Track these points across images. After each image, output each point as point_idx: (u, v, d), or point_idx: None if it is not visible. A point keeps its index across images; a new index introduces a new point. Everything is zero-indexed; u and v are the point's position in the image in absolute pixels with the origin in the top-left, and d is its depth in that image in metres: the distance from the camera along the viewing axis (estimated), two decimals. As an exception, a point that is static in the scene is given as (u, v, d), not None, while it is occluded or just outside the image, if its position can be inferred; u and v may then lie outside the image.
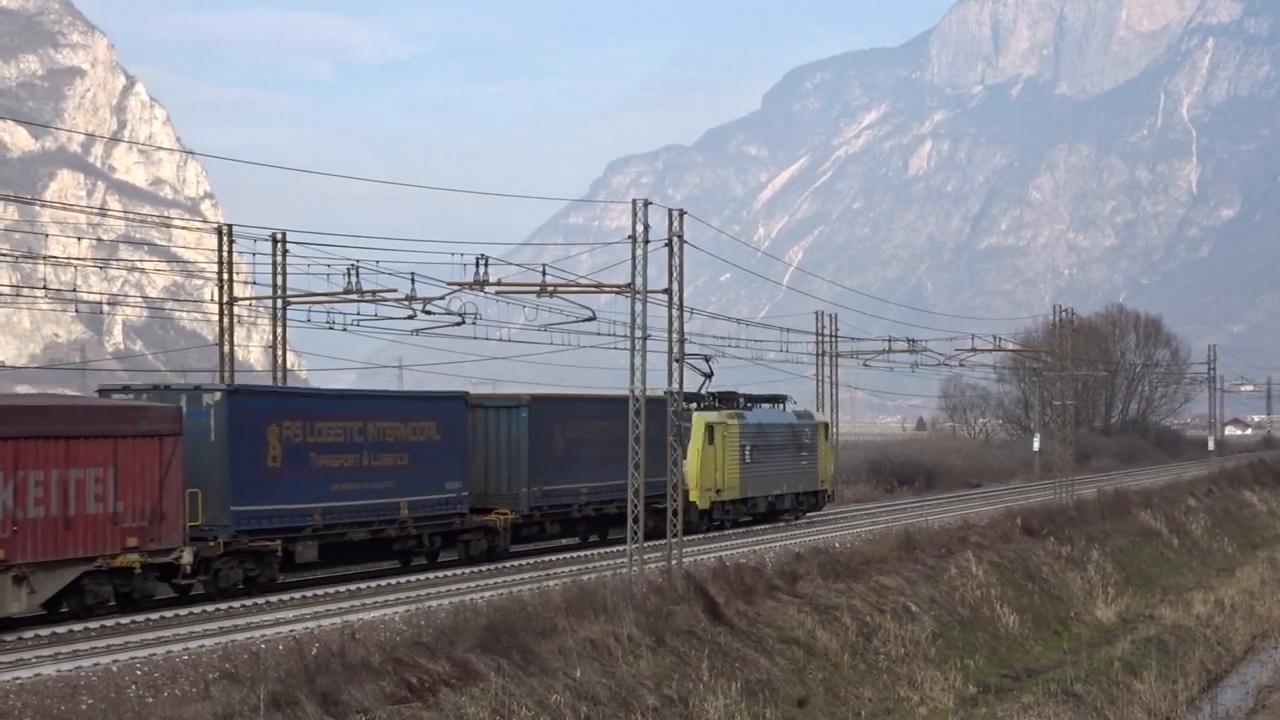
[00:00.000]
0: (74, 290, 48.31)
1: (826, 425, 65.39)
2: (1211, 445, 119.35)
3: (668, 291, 36.53)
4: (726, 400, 57.65)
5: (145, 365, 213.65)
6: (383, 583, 37.52)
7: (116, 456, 30.44)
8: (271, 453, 35.33)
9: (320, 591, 35.51)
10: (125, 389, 35.44)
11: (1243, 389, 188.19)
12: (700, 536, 50.49)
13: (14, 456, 28.36)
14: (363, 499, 38.14)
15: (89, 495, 29.94)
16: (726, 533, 53.44)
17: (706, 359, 56.82)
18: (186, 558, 32.11)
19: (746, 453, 55.77)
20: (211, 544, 33.22)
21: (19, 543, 28.34)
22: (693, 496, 51.17)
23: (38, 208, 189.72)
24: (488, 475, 43.31)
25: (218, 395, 34.22)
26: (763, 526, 56.59)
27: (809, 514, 61.00)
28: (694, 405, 52.86)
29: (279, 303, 46.77)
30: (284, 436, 35.69)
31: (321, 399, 39.21)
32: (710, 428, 53.02)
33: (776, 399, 62.75)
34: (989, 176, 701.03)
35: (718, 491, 53.52)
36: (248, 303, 51.15)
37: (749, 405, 58.89)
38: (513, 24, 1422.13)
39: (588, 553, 44.88)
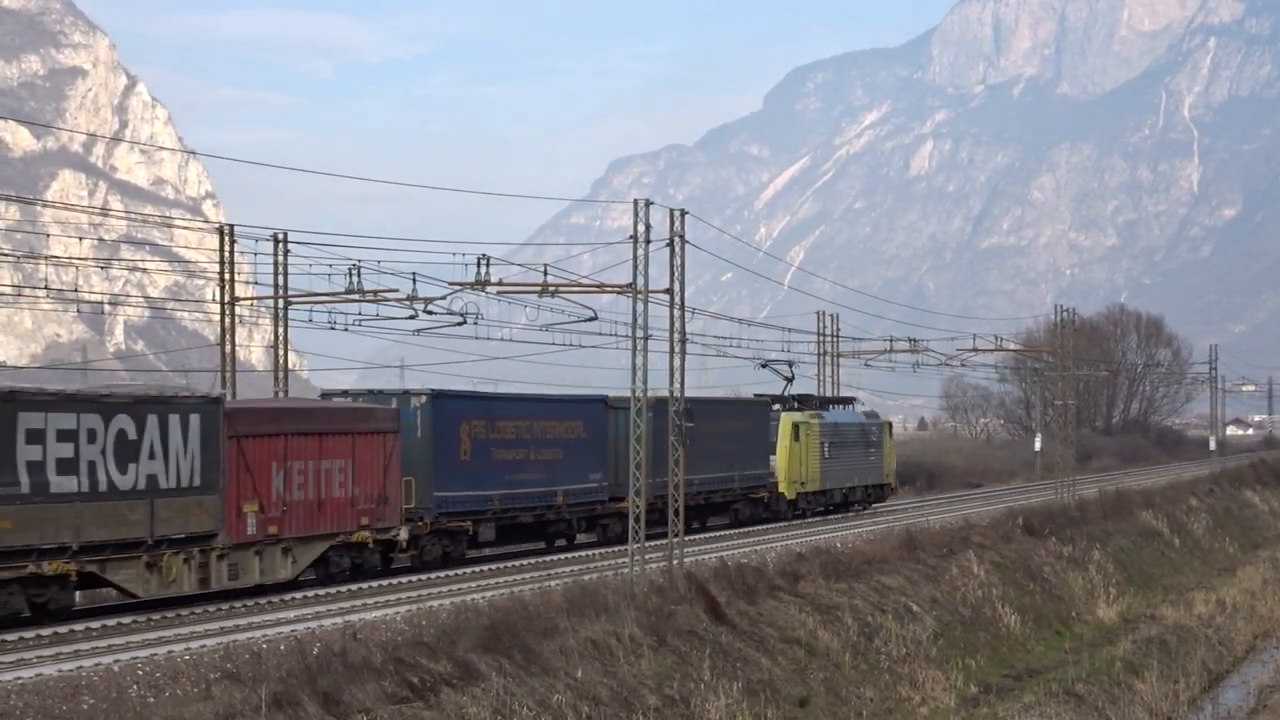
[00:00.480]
0: (75, 290, 48.29)
1: (890, 424, 70.96)
2: (1213, 445, 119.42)
3: (669, 291, 36.55)
4: (805, 402, 63.48)
5: (147, 365, 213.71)
6: (384, 583, 37.55)
7: (354, 450, 37.02)
8: (463, 447, 41.75)
9: (321, 591, 35.55)
10: (344, 394, 41.31)
11: (1244, 389, 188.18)
12: (709, 535, 51.61)
13: (284, 450, 34.97)
14: (530, 487, 44.72)
15: (335, 482, 36.42)
16: (729, 532, 53.65)
17: (789, 364, 64.11)
18: (403, 535, 38.59)
19: (825, 449, 61.59)
20: (419, 524, 39.49)
21: (287, 520, 35.05)
22: (781, 488, 57.64)
23: (39, 208, 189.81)
24: (618, 468, 47.24)
25: (424, 398, 40.57)
26: (837, 515, 62.25)
27: (874, 504, 66.86)
28: (778, 407, 59.59)
29: (280, 303, 46.76)
30: (473, 434, 42.18)
31: (500, 402, 47.49)
32: (796, 426, 59.00)
33: (846, 400, 70.70)
34: (990, 176, 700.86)
35: (802, 484, 59.45)
36: (249, 303, 51.15)
37: (825, 406, 65.20)
38: (514, 24, 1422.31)
39: (589, 552, 44.95)
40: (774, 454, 57.57)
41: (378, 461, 37.50)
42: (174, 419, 32.33)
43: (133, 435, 31.30)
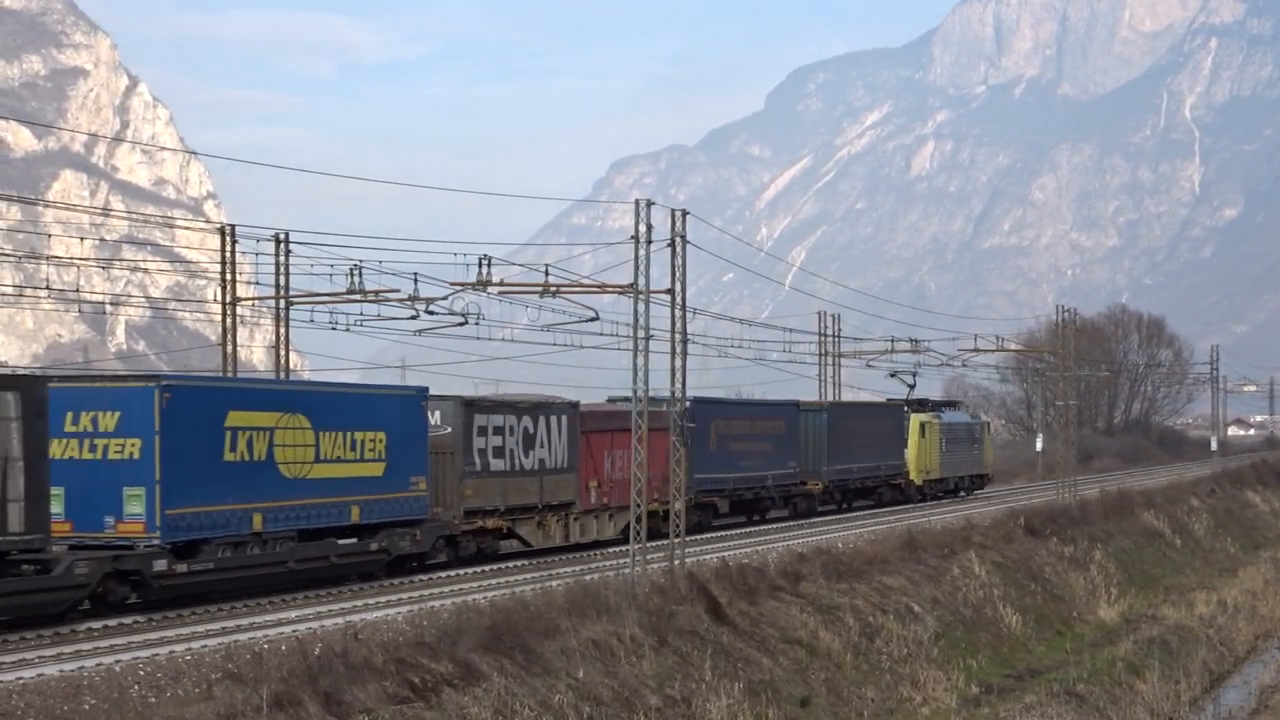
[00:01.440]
0: (77, 290, 48.33)
1: (989, 425, 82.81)
2: (1214, 445, 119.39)
3: (670, 292, 36.55)
4: (922, 405, 74.80)
5: (148, 365, 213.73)
6: (385, 583, 37.56)
7: (651, 441, 42.98)
8: (712, 440, 53.50)
9: (323, 591, 35.55)
10: (626, 399, 47.40)
11: (1245, 389, 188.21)
12: (721, 533, 52.54)
13: (611, 442, 47.12)
14: (751, 471, 56.69)
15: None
16: (732, 531, 53.79)
17: (912, 374, 77.77)
18: (679, 507, 44.41)
19: (943, 444, 73.79)
20: (686, 499, 45.16)
21: (612, 494, 47.27)
22: (912, 476, 69.72)
23: (41, 208, 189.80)
24: (806, 457, 61.09)
25: (688, 402, 46.70)
26: (950, 499, 74.04)
27: (975, 491, 78.28)
28: (906, 409, 71.80)
29: (282, 303, 46.77)
30: (717, 430, 54.07)
31: (732, 405, 61.25)
32: (922, 425, 70.88)
33: (953, 404, 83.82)
34: (991, 176, 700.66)
35: (927, 472, 71.25)
36: (250, 303, 51.16)
37: (939, 409, 76.25)
38: (516, 24, 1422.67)
39: (590, 552, 45.00)
40: (906, 448, 69.96)
41: (662, 451, 44.70)
42: (554, 419, 44.78)
43: (532, 431, 43.78)
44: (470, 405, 41.92)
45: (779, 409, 61.05)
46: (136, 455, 31.44)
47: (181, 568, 31.94)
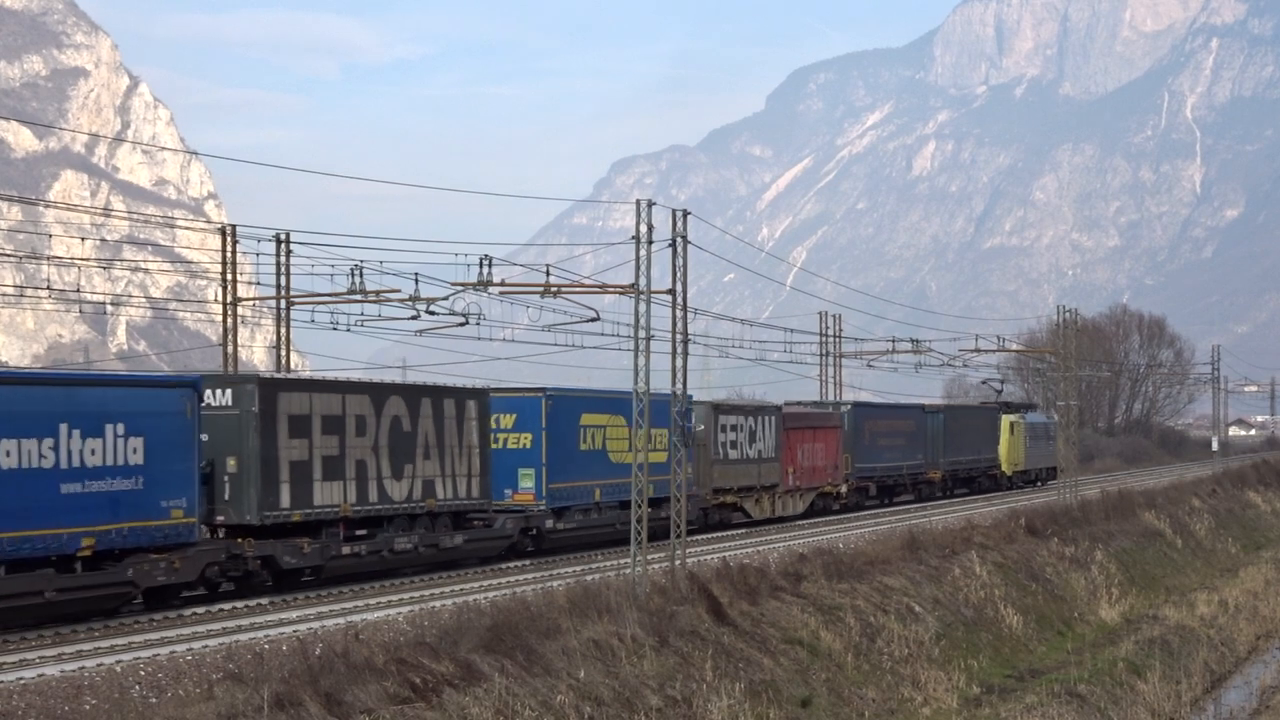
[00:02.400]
0: (78, 290, 48.39)
1: (1056, 423, 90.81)
2: (1215, 446, 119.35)
3: (671, 292, 36.54)
4: (1010, 407, 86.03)
5: (149, 366, 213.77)
6: (386, 583, 37.58)
7: (825, 438, 62.12)
8: (866, 436, 67.13)
9: (324, 592, 35.56)
10: (799, 403, 65.78)
11: (1247, 389, 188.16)
12: (716, 534, 52.43)
13: (800, 436, 60.30)
14: (891, 462, 70.20)
15: (818, 456, 62.02)
16: (732, 532, 53.82)
17: (1000, 381, 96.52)
18: (844, 489, 64.56)
19: (1026, 440, 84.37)
20: (846, 484, 64.99)
21: (800, 476, 60.09)
22: (1003, 467, 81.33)
23: (41, 208, 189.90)
24: (926, 451, 73.29)
25: (848, 406, 67.12)
26: (1029, 488, 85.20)
27: (1050, 481, 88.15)
28: (999, 410, 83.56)
29: (283, 303, 46.79)
30: (870, 428, 67.86)
31: (879, 408, 72.75)
32: (1011, 424, 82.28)
33: (1032, 406, 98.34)
34: (993, 177, 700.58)
35: (1014, 465, 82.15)
36: (251, 303, 51.18)
37: (1020, 411, 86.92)
38: (517, 24, 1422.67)
39: (592, 553, 45.01)
40: (999, 444, 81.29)
41: (834, 445, 63.03)
42: (766, 419, 57.86)
43: (753, 428, 56.70)
44: (717, 409, 55.00)
45: (910, 411, 75.02)
46: (528, 445, 44.05)
47: (559, 526, 44.62)
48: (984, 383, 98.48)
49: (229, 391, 33.97)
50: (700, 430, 51.40)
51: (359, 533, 36.70)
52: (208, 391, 33.45)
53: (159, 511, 30.98)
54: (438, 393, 39.81)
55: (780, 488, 58.45)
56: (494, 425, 42.28)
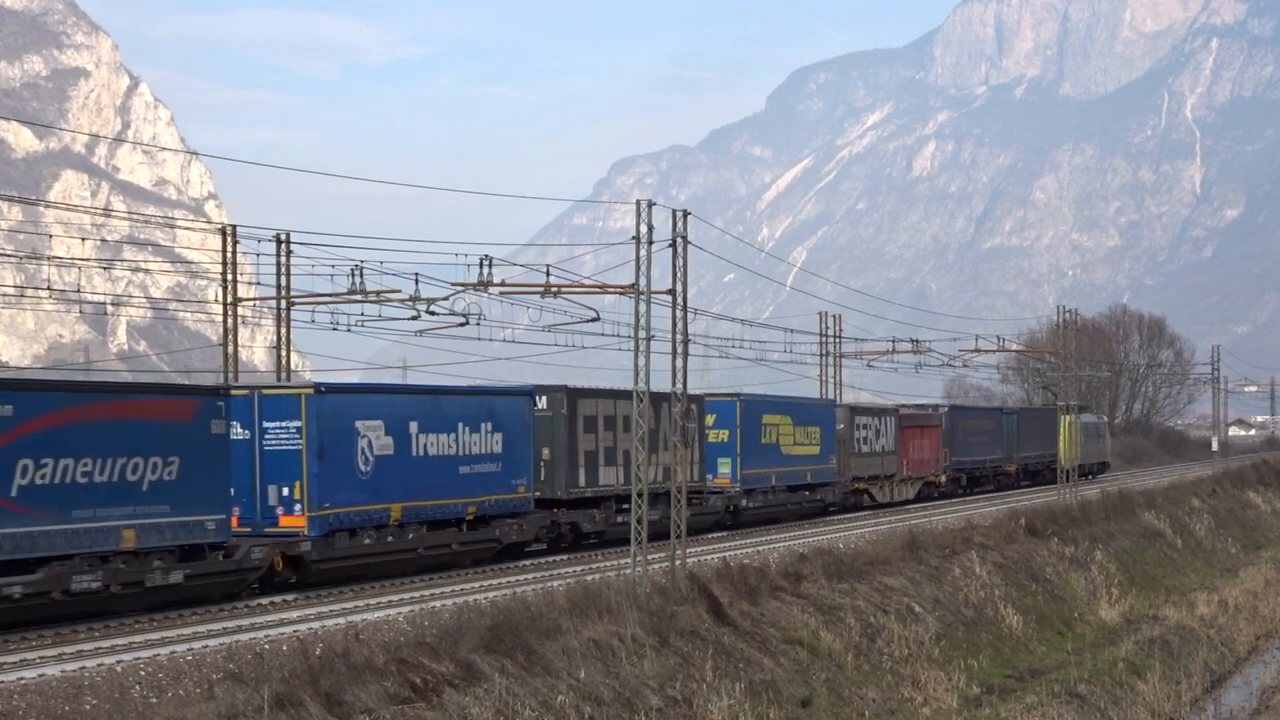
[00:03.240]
0: (78, 291, 48.39)
1: (1109, 424, 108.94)
2: (1215, 446, 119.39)
3: (671, 292, 36.55)
4: (1066, 409, 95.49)
5: (149, 366, 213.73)
6: (386, 583, 37.58)
7: (929, 435, 72.87)
8: (960, 434, 78.59)
9: (324, 592, 35.56)
10: (914, 406, 79.60)
11: (1246, 389, 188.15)
12: (727, 533, 52.87)
13: (913, 434, 70.75)
14: (977, 456, 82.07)
15: (924, 450, 72.77)
16: (734, 533, 53.82)
17: (1058, 385, 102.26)
18: (943, 479, 75.26)
19: (1080, 438, 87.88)
20: (945, 475, 76.15)
21: (912, 467, 70.89)
22: (1062, 461, 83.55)
23: (42, 208, 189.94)
24: (1004, 447, 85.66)
25: (945, 408, 79.87)
26: (1084, 480, 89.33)
27: (1100, 475, 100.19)
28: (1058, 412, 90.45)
29: (283, 303, 46.79)
30: (963, 426, 79.66)
31: (970, 410, 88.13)
32: (1069, 424, 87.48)
33: (1085, 408, 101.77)
34: (993, 177, 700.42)
35: (1071, 460, 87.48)
36: (252, 303, 51.19)
37: (1076, 413, 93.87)
38: (518, 24, 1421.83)
39: (592, 553, 45.02)
40: (1058, 442, 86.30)
41: (936, 441, 74.43)
42: (887, 418, 69.32)
43: (879, 427, 68.02)
44: (854, 410, 66.94)
45: (991, 412, 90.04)
46: (726, 439, 54.77)
47: (749, 505, 56.19)
48: (1045, 388, 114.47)
49: (546, 399, 44.67)
50: (841, 428, 64.27)
51: (624, 506, 44.55)
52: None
53: (511, 488, 42.10)
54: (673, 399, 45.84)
55: (897, 477, 70.36)
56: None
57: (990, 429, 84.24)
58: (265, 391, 36.29)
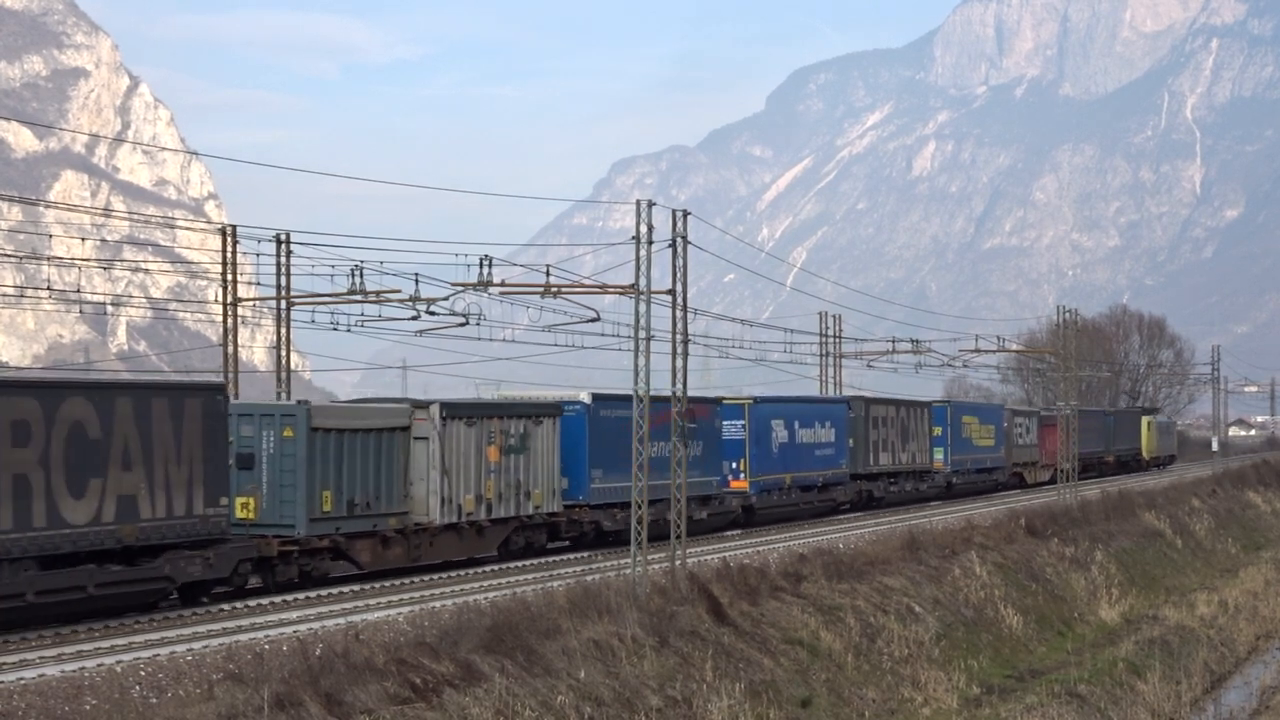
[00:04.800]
0: (78, 291, 48.33)
1: (1175, 423, 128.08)
2: (1215, 446, 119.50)
3: (671, 292, 36.55)
4: (1144, 411, 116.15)
5: (149, 366, 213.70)
6: (387, 583, 37.57)
7: (1057, 430, 76.48)
8: (1079, 430, 76.22)
9: (325, 592, 35.55)
10: (1043, 407, 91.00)
11: (1247, 389, 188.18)
12: (710, 537, 52.10)
13: (1049, 432, 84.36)
14: (1090, 449, 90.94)
15: (1054, 443, 78.21)
16: (730, 534, 53.82)
17: (1139, 393, 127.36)
18: (1067, 467, 75.52)
19: (1156, 435, 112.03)
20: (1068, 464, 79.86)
21: (1047, 457, 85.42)
22: (1143, 454, 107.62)
23: (42, 208, 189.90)
24: (1105, 442, 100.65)
25: (1035, 417, 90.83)
26: (1157, 469, 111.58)
27: (1168, 466, 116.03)
28: (1139, 413, 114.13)
29: (283, 303, 46.77)
30: (1082, 424, 79.19)
31: (1086, 412, 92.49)
32: (1148, 423, 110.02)
33: (1156, 410, 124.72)
34: (993, 177, 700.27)
35: (1150, 452, 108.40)
36: (252, 303, 51.18)
37: (1154, 413, 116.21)
38: (517, 24, 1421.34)
39: (592, 553, 44.98)
40: (1141, 437, 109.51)
41: (1054, 437, 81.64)
42: (1032, 418, 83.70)
43: (1027, 424, 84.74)
44: (1014, 412, 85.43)
45: (1098, 413, 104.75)
46: (939, 434, 73.28)
47: (958, 482, 76.20)
48: (1124, 393, 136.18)
49: (850, 404, 65.13)
50: (1006, 426, 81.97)
51: (894, 479, 69.08)
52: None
53: (838, 465, 62.47)
54: (908, 405, 71.75)
55: (1039, 464, 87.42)
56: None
57: (1098, 427, 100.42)
58: (725, 401, 55.76)
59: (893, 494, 68.40)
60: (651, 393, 35.93)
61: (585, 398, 46.47)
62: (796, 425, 59.08)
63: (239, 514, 34.74)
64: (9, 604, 28.50)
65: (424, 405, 39.59)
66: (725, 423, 54.44)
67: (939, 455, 73.13)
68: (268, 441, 35.69)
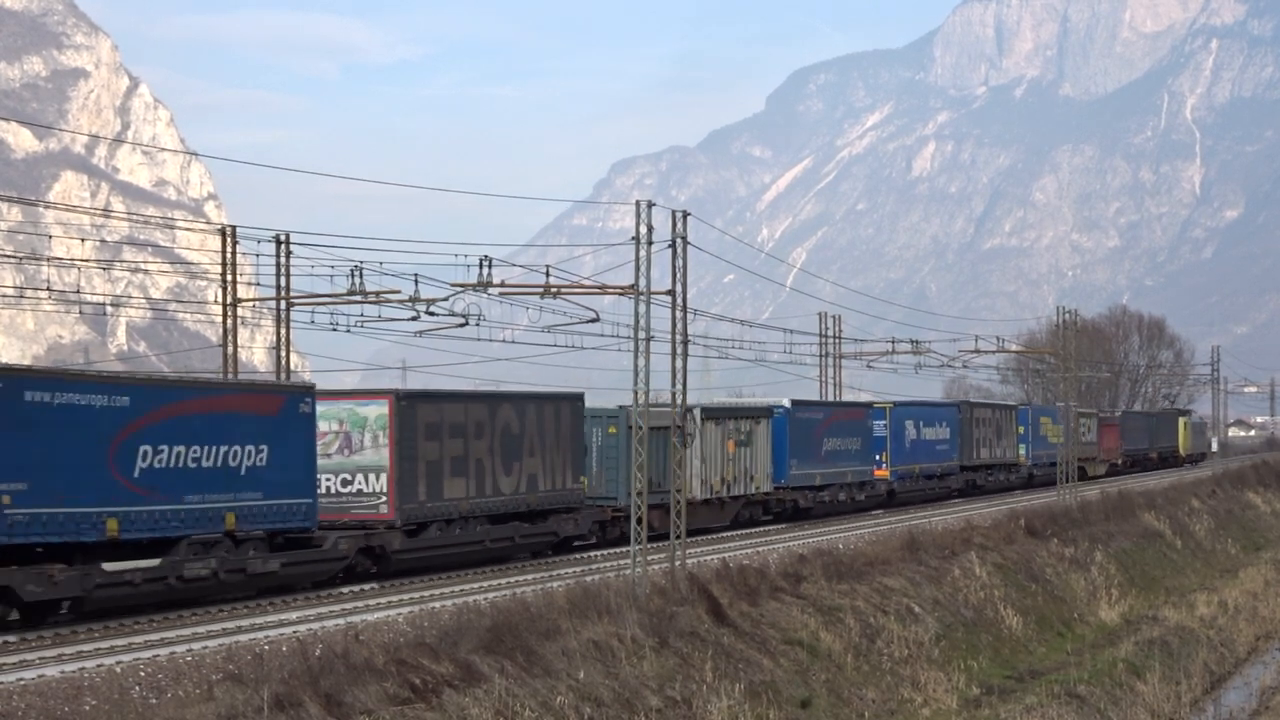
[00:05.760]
0: (78, 291, 48.35)
1: (1208, 423, 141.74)
2: (1215, 446, 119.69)
3: (671, 293, 36.56)
4: (1181, 412, 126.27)
5: (149, 366, 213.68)
6: (386, 584, 37.58)
7: (1113, 429, 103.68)
8: (1129, 430, 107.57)
9: (324, 592, 35.57)
10: (1098, 409, 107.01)
11: (1246, 390, 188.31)
12: (710, 537, 52.14)
13: (1106, 430, 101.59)
14: (1138, 445, 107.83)
15: (1110, 440, 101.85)
16: (733, 533, 53.84)
17: (1173, 398, 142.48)
18: (1120, 461, 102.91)
19: (1191, 434, 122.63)
20: (1121, 459, 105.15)
21: (1105, 453, 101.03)
22: (1181, 451, 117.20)
23: (41, 209, 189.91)
24: (1150, 439, 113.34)
25: (1121, 413, 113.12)
26: (1189, 465, 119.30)
27: (1201, 461, 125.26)
28: (1177, 414, 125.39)
29: (282, 304, 46.77)
30: (1129, 424, 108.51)
31: (1133, 414, 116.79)
32: (1184, 423, 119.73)
33: (1189, 412, 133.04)
34: (992, 177, 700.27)
35: (1186, 449, 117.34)
36: (251, 304, 51.19)
37: (1189, 415, 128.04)
38: (517, 25, 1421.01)
39: (592, 554, 45.01)
40: (1179, 436, 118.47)
41: (1116, 434, 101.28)
42: (1093, 419, 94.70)
43: (1088, 424, 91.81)
44: (1081, 414, 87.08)
45: (1143, 415, 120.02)
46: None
47: (1037, 475, 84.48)
48: (1164, 397, 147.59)
49: (959, 408, 76.44)
50: (1072, 426, 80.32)
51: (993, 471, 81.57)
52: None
53: (952, 458, 74.61)
54: (1001, 408, 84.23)
55: (1097, 459, 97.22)
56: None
57: (1144, 426, 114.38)
58: (875, 405, 67.82)
59: (990, 483, 79.55)
60: (817, 399, 38.55)
61: (786, 403, 59.87)
62: (922, 425, 71.54)
63: None
64: (472, 549, 41.15)
65: (690, 410, 49.38)
66: (875, 422, 66.90)
67: (1022, 450, 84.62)
68: (597, 436, 47.72)
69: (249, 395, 34.83)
